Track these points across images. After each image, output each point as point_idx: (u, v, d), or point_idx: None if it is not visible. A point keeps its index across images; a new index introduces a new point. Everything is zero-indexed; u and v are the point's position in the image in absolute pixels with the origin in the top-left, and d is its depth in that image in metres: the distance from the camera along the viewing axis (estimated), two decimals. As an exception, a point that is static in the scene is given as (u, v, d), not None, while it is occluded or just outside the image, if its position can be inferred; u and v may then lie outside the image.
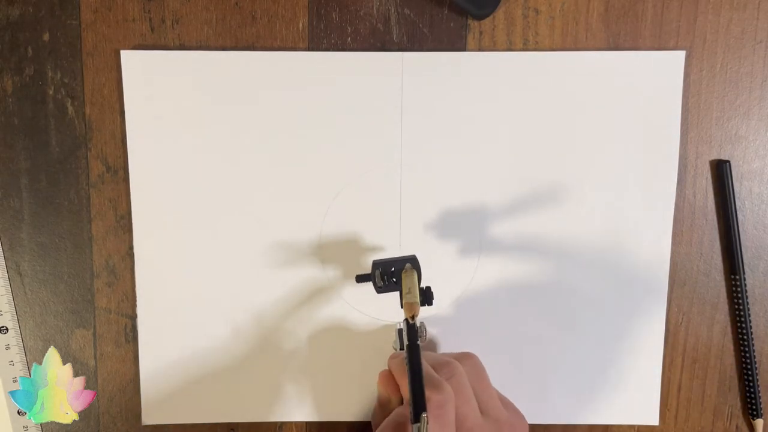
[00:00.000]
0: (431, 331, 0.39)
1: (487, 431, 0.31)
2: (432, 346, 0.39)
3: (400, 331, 0.31)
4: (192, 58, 0.37)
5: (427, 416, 0.26)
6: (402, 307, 0.32)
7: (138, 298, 0.38)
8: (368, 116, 0.37)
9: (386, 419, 0.32)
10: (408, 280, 0.33)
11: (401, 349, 0.31)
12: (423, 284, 0.34)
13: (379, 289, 0.34)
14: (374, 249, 0.38)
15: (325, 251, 0.38)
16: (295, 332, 0.39)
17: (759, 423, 0.40)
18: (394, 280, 0.34)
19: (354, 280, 0.37)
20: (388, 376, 0.35)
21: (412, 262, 0.34)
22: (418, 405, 0.27)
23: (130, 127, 0.37)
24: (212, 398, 0.39)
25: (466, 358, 0.35)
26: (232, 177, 0.38)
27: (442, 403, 0.30)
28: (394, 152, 0.38)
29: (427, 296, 0.33)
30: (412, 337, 0.30)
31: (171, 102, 0.37)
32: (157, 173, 0.38)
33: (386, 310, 0.38)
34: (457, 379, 0.32)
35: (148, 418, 0.39)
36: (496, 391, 0.36)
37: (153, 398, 0.39)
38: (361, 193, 0.38)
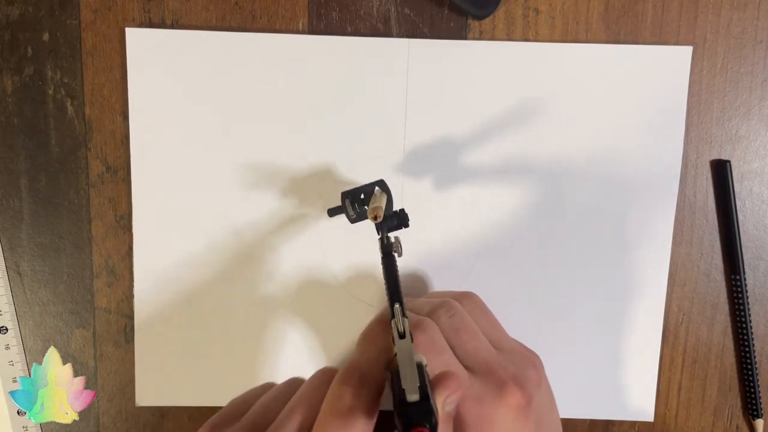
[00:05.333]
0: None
1: (503, 361, 0.30)
2: None
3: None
4: (195, 37, 0.37)
5: (401, 307, 0.25)
6: (378, 232, 0.31)
7: (136, 298, 0.38)
8: (372, 102, 0.37)
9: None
10: (376, 198, 0.32)
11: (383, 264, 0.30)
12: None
13: (353, 219, 0.34)
14: (373, 232, 0.38)
15: (327, 244, 0.38)
16: (298, 326, 0.39)
17: (759, 423, 0.40)
18: (366, 207, 0.33)
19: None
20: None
21: (381, 185, 0.33)
22: (393, 300, 0.26)
23: (133, 116, 0.37)
24: (209, 383, 0.39)
25: (466, 297, 0.34)
26: (234, 174, 0.38)
27: (425, 328, 0.29)
28: (397, 139, 0.38)
29: (401, 218, 0.33)
30: (386, 248, 0.29)
31: (174, 86, 0.37)
32: (159, 172, 0.38)
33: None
34: (458, 317, 0.31)
35: (142, 400, 0.39)
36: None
37: (148, 380, 0.39)
38: (363, 178, 0.38)
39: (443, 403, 0.25)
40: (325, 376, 0.27)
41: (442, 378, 0.25)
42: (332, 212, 0.35)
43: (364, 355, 0.26)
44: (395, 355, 0.25)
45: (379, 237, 0.30)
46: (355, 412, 0.24)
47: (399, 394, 0.22)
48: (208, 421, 0.28)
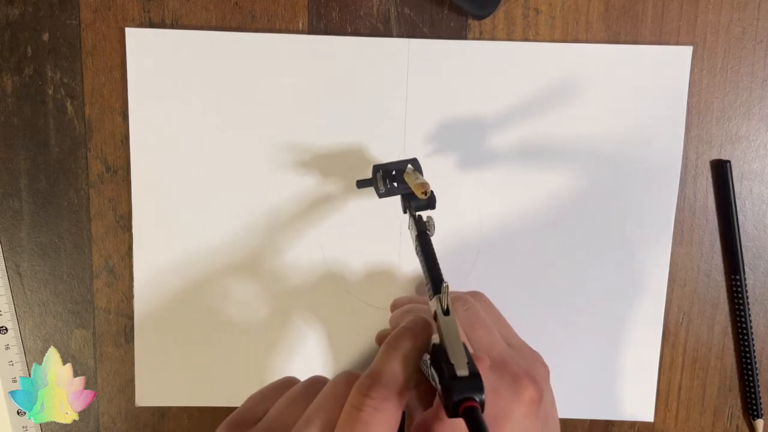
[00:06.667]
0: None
1: (515, 358, 0.30)
2: None
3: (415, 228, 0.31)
4: (195, 37, 0.37)
5: (447, 285, 0.25)
6: (405, 211, 0.31)
7: (136, 298, 0.38)
8: (372, 102, 0.37)
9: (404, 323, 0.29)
10: (410, 176, 0.32)
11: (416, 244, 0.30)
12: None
13: (381, 194, 0.34)
14: (376, 237, 0.38)
15: (328, 245, 0.38)
16: (299, 326, 0.39)
17: (759, 423, 0.40)
18: (395, 184, 0.33)
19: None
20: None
21: (414, 163, 0.34)
22: (436, 278, 0.26)
23: (133, 116, 0.37)
24: (209, 383, 0.39)
25: (475, 295, 0.35)
26: (233, 174, 0.38)
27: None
28: (397, 138, 0.38)
29: (430, 199, 0.32)
30: (420, 226, 0.30)
31: (174, 86, 0.37)
32: (159, 172, 0.38)
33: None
34: (474, 311, 0.32)
35: (141, 400, 0.39)
36: None
37: (148, 380, 0.39)
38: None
39: None
40: (347, 383, 0.25)
41: (474, 360, 0.25)
42: (361, 184, 0.34)
43: (387, 363, 0.24)
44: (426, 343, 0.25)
45: (410, 215, 0.31)
46: (374, 425, 0.23)
47: (447, 369, 0.21)
48: (226, 421, 0.27)
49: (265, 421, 0.27)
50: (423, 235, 0.29)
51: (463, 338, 0.28)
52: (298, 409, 0.26)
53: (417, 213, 0.31)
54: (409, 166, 0.33)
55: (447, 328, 0.23)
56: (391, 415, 0.23)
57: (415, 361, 0.25)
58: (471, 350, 0.27)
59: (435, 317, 0.24)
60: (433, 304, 0.25)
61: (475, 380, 0.21)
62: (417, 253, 0.29)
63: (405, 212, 0.31)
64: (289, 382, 0.29)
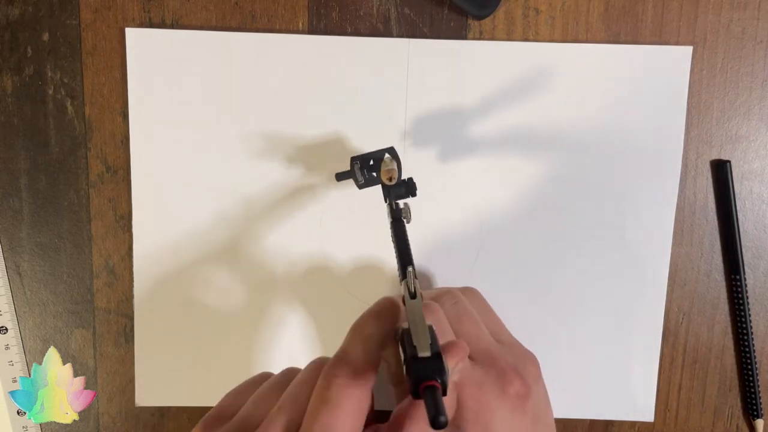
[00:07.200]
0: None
1: (503, 353, 0.30)
2: None
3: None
4: (195, 37, 0.37)
5: (413, 270, 0.25)
6: (386, 200, 0.31)
7: (136, 298, 0.38)
8: (372, 102, 0.37)
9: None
10: (386, 164, 0.32)
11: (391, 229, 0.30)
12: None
13: (361, 185, 0.34)
14: (377, 237, 0.38)
15: (326, 244, 0.38)
16: (299, 327, 0.39)
17: (759, 423, 0.40)
18: (374, 174, 0.33)
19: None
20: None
21: (391, 152, 0.33)
22: (404, 262, 0.26)
23: (133, 116, 0.37)
24: (209, 383, 0.39)
25: (467, 291, 0.35)
26: (233, 175, 0.38)
27: (431, 310, 0.30)
28: (397, 139, 0.38)
29: (409, 186, 0.32)
30: (395, 213, 0.30)
31: (174, 86, 0.37)
32: (159, 172, 0.38)
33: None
34: (462, 305, 0.32)
35: (141, 400, 0.39)
36: None
37: (148, 380, 0.39)
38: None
39: (452, 370, 0.25)
40: (318, 369, 0.26)
41: (450, 345, 0.25)
42: (340, 177, 0.34)
43: (353, 344, 0.26)
44: (398, 328, 0.25)
45: (387, 203, 0.31)
46: (343, 401, 0.23)
47: (410, 351, 0.22)
48: (202, 420, 0.27)
49: (239, 415, 0.27)
50: (397, 222, 0.29)
51: (435, 323, 0.29)
52: (271, 401, 0.27)
53: (396, 201, 0.31)
54: (387, 155, 0.33)
55: (411, 311, 0.23)
56: (359, 394, 0.24)
57: (378, 343, 0.26)
58: (453, 339, 0.27)
59: (404, 302, 0.25)
60: (402, 289, 0.25)
61: (436, 361, 0.21)
62: (392, 240, 0.29)
63: (386, 201, 0.31)
64: (264, 377, 0.30)
